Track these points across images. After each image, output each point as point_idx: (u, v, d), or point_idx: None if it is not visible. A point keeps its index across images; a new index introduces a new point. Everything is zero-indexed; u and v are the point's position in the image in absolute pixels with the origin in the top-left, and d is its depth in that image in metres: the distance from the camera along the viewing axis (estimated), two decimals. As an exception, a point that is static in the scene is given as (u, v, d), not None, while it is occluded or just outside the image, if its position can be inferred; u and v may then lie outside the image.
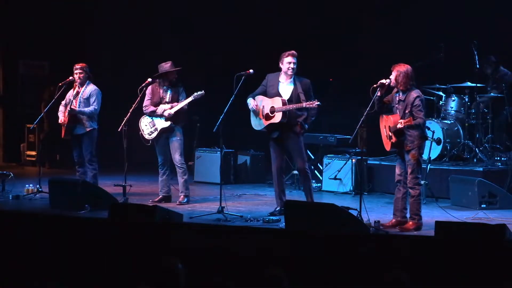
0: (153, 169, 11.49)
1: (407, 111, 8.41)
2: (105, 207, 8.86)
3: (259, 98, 9.40)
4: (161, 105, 10.17)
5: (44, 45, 14.71)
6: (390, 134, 8.52)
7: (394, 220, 8.67)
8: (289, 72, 9.27)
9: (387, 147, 8.74)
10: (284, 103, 9.18)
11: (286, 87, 9.32)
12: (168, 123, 10.15)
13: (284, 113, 9.18)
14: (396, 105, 8.54)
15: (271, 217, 9.08)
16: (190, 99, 10.12)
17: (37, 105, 14.36)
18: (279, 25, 14.07)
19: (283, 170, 9.64)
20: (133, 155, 10.36)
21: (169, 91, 10.23)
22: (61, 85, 10.65)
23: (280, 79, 9.35)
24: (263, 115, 9.36)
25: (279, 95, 9.26)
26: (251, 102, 9.37)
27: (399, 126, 8.37)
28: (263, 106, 9.34)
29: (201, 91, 10.11)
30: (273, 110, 9.25)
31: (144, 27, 14.70)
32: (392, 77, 8.49)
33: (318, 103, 9.06)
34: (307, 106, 9.07)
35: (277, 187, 9.56)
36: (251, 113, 9.50)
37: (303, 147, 9.48)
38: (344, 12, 13.70)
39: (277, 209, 9.42)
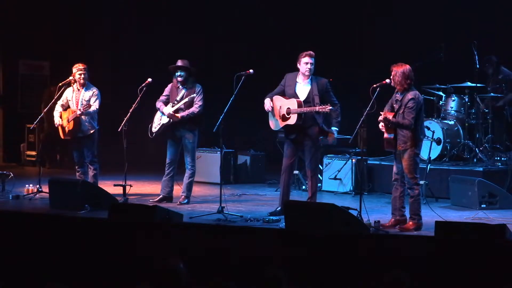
0: (153, 169, 11.52)
1: (401, 111, 8.42)
2: (105, 207, 8.85)
3: (277, 98, 9.38)
4: (168, 106, 10.20)
5: (44, 45, 14.70)
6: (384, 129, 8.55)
7: (393, 220, 8.66)
8: (307, 73, 9.26)
9: (385, 146, 8.75)
10: (299, 105, 9.15)
11: (303, 88, 9.30)
12: (167, 119, 10.16)
13: (299, 115, 9.16)
14: (394, 105, 8.55)
15: (271, 217, 9.07)
16: (184, 100, 10.10)
17: (37, 105, 14.35)
18: (280, 25, 14.07)
19: (292, 171, 9.61)
20: (133, 155, 10.35)
21: (183, 90, 10.24)
22: (61, 85, 10.65)
23: (297, 80, 9.33)
24: (279, 116, 9.35)
25: (296, 96, 9.25)
26: (267, 103, 9.34)
27: (379, 118, 8.42)
28: (280, 107, 9.32)
29: (193, 94, 10.11)
30: (289, 112, 9.23)
31: (144, 27, 14.69)
32: (392, 78, 8.51)
33: (330, 107, 9.02)
34: (320, 110, 9.04)
35: (283, 186, 9.49)
36: (269, 113, 9.48)
37: (318, 150, 9.42)
38: (344, 12, 13.70)
39: (278, 209, 9.40)
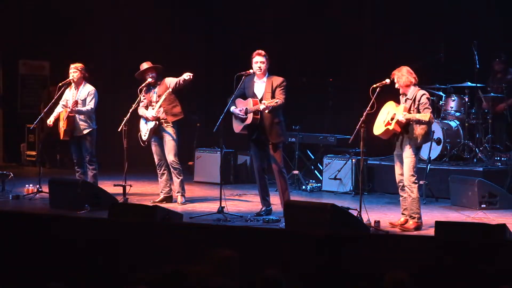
0: (153, 169, 11.50)
1: (413, 108, 8.45)
2: (105, 207, 8.85)
3: (238, 101, 9.40)
4: (148, 109, 10.18)
5: (44, 45, 14.70)
6: (390, 121, 8.51)
7: (403, 219, 8.67)
8: (258, 72, 9.28)
9: (377, 131, 8.68)
10: (255, 104, 9.18)
11: (260, 86, 9.32)
12: (153, 123, 10.13)
13: (254, 113, 9.18)
14: (405, 104, 8.56)
15: (271, 217, 9.07)
16: (163, 97, 10.07)
17: (37, 105, 14.33)
18: (279, 24, 14.07)
19: (265, 171, 9.59)
20: (133, 155, 10.34)
21: (154, 89, 10.22)
22: (61, 85, 10.64)
23: (254, 80, 9.37)
24: (240, 118, 9.37)
25: (254, 96, 9.28)
26: (235, 111, 9.35)
27: (400, 118, 8.38)
28: (241, 109, 9.36)
29: (167, 89, 10.08)
30: (246, 112, 9.27)
31: (144, 27, 14.69)
32: (396, 83, 8.54)
33: (277, 100, 9.00)
34: (269, 105, 8.97)
35: (260, 187, 9.50)
36: (233, 117, 9.48)
37: (280, 148, 9.35)
38: (344, 12, 13.70)
39: (263, 209, 9.39)
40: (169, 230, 7.90)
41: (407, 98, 8.54)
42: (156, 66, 10.22)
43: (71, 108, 10.35)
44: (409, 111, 8.43)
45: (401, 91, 8.62)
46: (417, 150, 8.51)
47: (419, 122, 8.38)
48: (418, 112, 8.41)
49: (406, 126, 8.45)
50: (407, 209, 8.65)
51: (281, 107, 9.16)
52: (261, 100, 9.19)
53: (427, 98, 8.48)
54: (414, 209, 8.55)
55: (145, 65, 10.20)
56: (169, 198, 10.33)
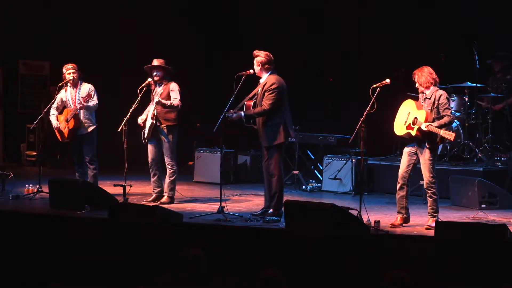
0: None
1: (434, 107, 8.48)
2: (105, 207, 8.85)
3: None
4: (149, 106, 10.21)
5: (44, 45, 14.71)
6: (412, 125, 8.53)
7: (400, 218, 8.68)
8: (256, 73, 9.25)
9: (399, 131, 8.71)
10: (247, 104, 9.20)
11: (260, 85, 9.30)
12: (150, 122, 10.14)
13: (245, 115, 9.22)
14: (423, 103, 8.58)
15: (271, 217, 9.06)
16: (156, 99, 10.08)
17: (37, 105, 14.31)
18: (279, 24, 14.07)
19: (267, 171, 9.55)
20: (133, 155, 10.34)
21: (159, 88, 10.22)
22: (61, 85, 10.65)
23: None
24: None
25: (255, 94, 9.26)
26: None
27: (423, 128, 8.39)
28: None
29: (168, 89, 10.09)
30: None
31: (144, 27, 14.69)
32: (416, 82, 8.60)
33: (241, 113, 9.03)
34: (229, 114, 9.06)
35: (264, 187, 9.48)
36: None
37: (276, 152, 9.26)
38: (344, 12, 13.70)
39: (263, 210, 9.35)
40: (169, 230, 7.90)
41: (426, 98, 8.57)
42: (162, 66, 10.19)
43: (82, 103, 10.34)
44: (430, 112, 8.46)
45: (419, 90, 8.65)
46: (435, 151, 8.54)
47: (443, 126, 8.41)
48: (438, 112, 8.47)
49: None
50: (404, 207, 8.65)
51: (263, 115, 9.06)
52: (256, 100, 9.18)
53: (446, 98, 8.54)
54: (435, 208, 8.60)
55: (155, 62, 10.19)
56: (161, 198, 10.29)
